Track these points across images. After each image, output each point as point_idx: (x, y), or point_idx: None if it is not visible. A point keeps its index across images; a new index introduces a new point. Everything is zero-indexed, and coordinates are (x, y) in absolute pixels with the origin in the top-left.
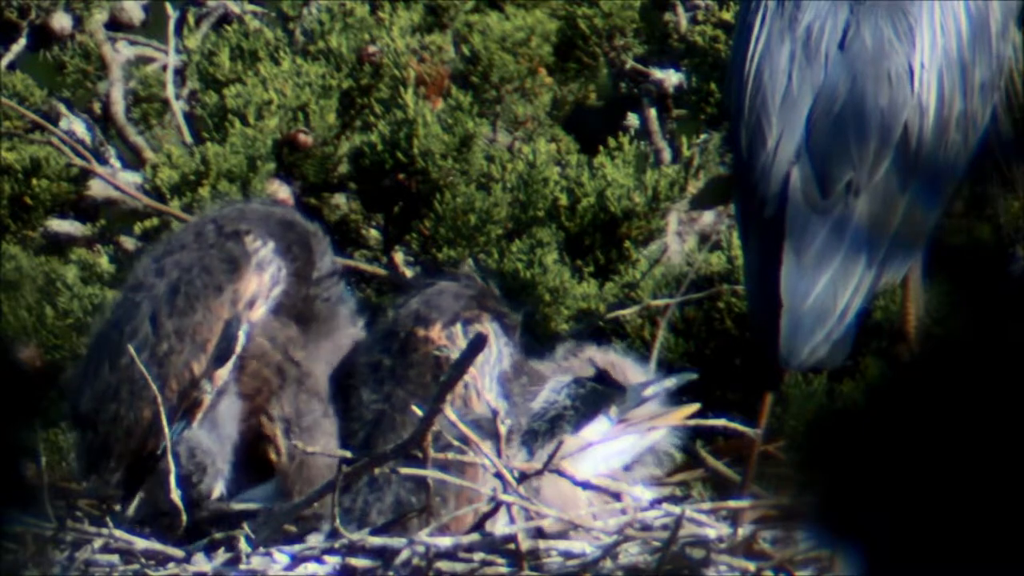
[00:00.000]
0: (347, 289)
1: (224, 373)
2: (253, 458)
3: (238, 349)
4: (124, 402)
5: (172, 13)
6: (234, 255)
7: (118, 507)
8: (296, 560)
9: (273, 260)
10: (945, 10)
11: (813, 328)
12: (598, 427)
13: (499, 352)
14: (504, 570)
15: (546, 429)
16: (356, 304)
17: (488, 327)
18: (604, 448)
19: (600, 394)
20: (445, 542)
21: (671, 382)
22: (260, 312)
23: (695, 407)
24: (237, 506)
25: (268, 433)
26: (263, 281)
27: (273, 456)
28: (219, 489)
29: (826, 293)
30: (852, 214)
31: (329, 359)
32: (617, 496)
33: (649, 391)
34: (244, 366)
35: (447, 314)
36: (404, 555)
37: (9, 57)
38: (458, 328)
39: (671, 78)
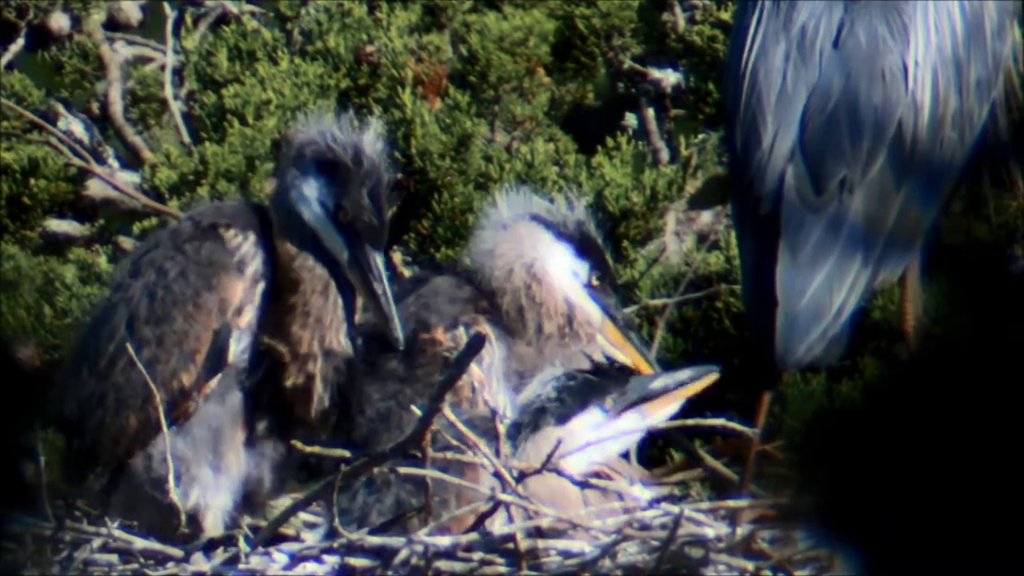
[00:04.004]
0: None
1: (215, 383)
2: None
3: (231, 358)
4: (110, 410)
5: (170, 13)
6: (215, 258)
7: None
8: (295, 560)
9: (256, 253)
10: (939, 9)
11: (809, 326)
12: (589, 419)
13: (499, 352)
14: (503, 569)
15: (528, 421)
16: None
17: (486, 328)
18: (600, 439)
19: (592, 385)
20: (444, 542)
21: (685, 375)
22: (248, 318)
23: (714, 376)
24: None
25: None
26: (246, 283)
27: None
28: (196, 496)
29: (821, 291)
30: (847, 212)
31: None
32: (616, 494)
33: (657, 383)
34: None
35: (446, 319)
36: (403, 555)
37: (7, 57)
38: (460, 331)
39: (669, 78)
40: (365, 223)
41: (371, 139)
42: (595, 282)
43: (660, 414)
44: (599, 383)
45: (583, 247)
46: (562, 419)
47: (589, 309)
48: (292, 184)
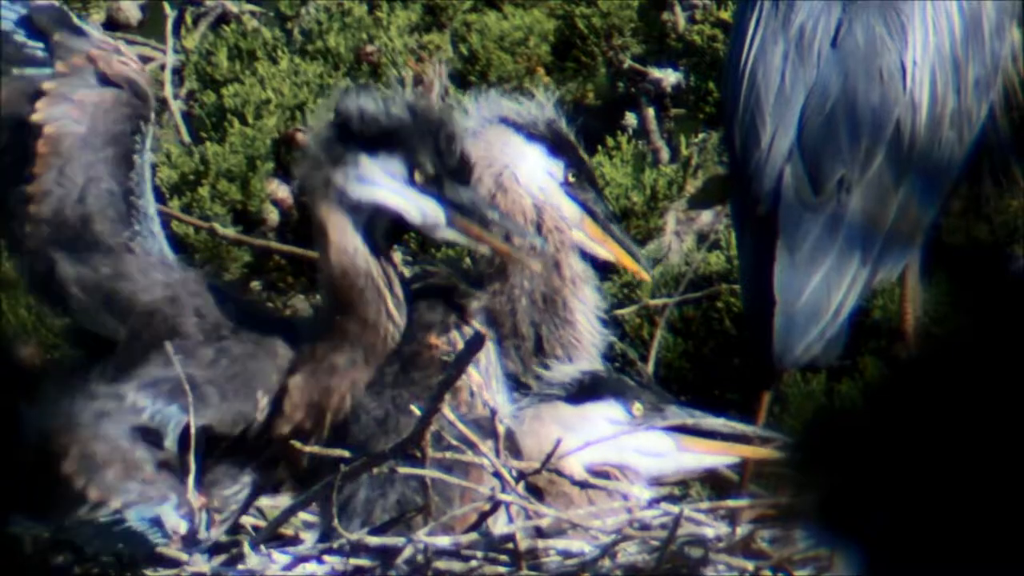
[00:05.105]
0: None
1: None
2: None
3: None
4: None
5: (170, 13)
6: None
7: None
8: (296, 560)
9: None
10: (937, 8)
11: (807, 326)
12: (607, 410)
13: (493, 351)
14: (503, 569)
15: (539, 391)
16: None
17: (476, 325)
18: (623, 441)
19: (622, 384)
20: (444, 541)
21: (743, 427)
22: None
23: (764, 452)
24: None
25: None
26: None
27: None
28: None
29: (820, 291)
30: (845, 211)
31: None
32: (617, 493)
33: (705, 422)
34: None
35: (436, 326)
36: (403, 554)
37: None
38: (455, 335)
39: (669, 77)
40: (449, 168)
41: (412, 95)
42: (571, 179)
43: (708, 458)
44: (632, 387)
45: (556, 145)
46: (575, 400)
47: (566, 207)
48: (347, 181)
